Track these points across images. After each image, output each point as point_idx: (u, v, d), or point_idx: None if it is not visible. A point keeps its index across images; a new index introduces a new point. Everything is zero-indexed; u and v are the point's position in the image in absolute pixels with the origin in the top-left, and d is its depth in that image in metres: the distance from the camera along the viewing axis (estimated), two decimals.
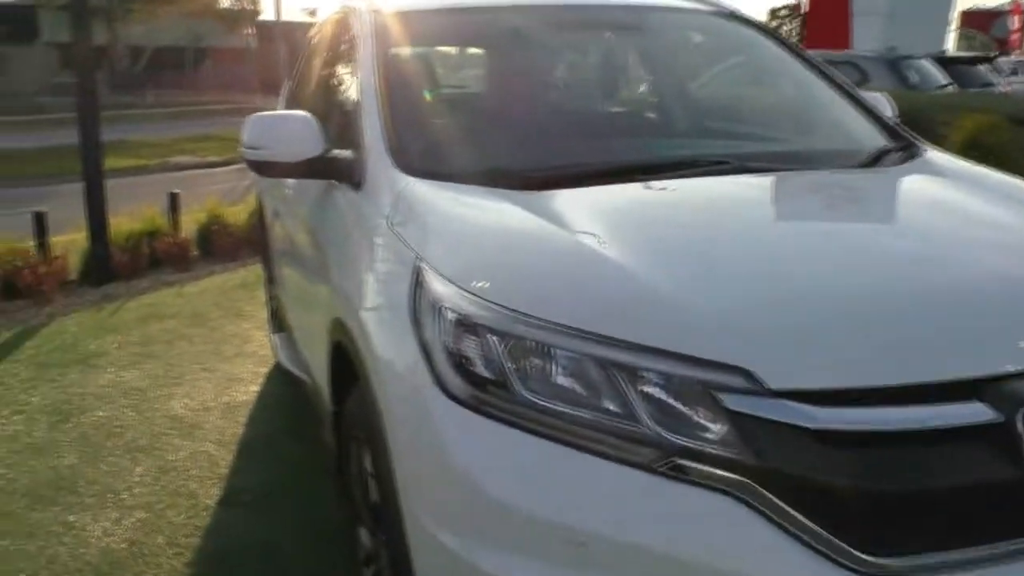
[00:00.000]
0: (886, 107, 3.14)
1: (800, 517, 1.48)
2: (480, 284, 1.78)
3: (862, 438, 1.53)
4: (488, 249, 1.99)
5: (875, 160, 2.70)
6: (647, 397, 1.58)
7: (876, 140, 2.86)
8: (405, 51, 3.05)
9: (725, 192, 2.34)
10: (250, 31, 44.75)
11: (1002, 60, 18.27)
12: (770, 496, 1.49)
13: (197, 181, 13.67)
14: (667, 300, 1.70)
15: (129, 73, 39.65)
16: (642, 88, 3.64)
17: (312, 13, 47.79)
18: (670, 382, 1.57)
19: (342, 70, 3.32)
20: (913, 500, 1.54)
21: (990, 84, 13.20)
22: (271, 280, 4.70)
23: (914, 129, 3.01)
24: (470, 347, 1.71)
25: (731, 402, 1.53)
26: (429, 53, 3.44)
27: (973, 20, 30.96)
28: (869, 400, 1.55)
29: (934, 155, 2.75)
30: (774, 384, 1.54)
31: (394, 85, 2.72)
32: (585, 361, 1.62)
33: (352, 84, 2.95)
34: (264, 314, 5.42)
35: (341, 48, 3.41)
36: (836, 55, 11.44)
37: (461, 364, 1.71)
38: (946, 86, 11.93)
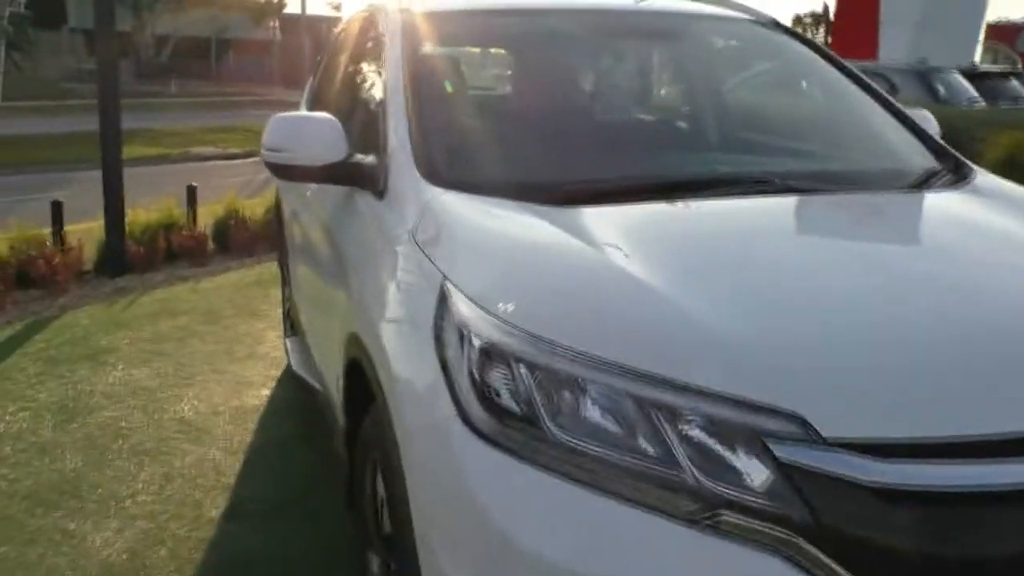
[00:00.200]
0: (932, 124, 2.99)
1: None
2: (511, 309, 1.65)
3: (924, 496, 1.40)
4: (521, 272, 1.85)
5: (924, 182, 2.55)
6: (688, 440, 1.45)
7: (923, 160, 2.71)
8: (434, 53, 2.91)
9: (771, 215, 2.20)
10: (275, 24, 44.80)
11: None
12: (820, 555, 1.37)
13: (218, 172, 13.62)
14: (713, 335, 1.57)
15: (154, 62, 39.74)
16: (681, 99, 3.49)
17: (337, 7, 47.90)
18: (715, 426, 1.44)
19: (367, 71, 3.20)
20: (975, 567, 1.41)
21: (1020, 98, 12.98)
22: (286, 281, 4.58)
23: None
24: (497, 377, 1.59)
25: (781, 451, 1.40)
26: (458, 56, 3.30)
27: (998, 33, 30.56)
28: (932, 453, 1.41)
29: (986, 178, 2.60)
30: (828, 433, 1.41)
31: (422, 88, 2.58)
32: (622, 398, 1.49)
33: (377, 86, 2.83)
34: (278, 314, 5.32)
35: (367, 48, 3.29)
36: (864, 65, 11.26)
37: (486, 395, 1.59)
38: (977, 100, 11.74)
